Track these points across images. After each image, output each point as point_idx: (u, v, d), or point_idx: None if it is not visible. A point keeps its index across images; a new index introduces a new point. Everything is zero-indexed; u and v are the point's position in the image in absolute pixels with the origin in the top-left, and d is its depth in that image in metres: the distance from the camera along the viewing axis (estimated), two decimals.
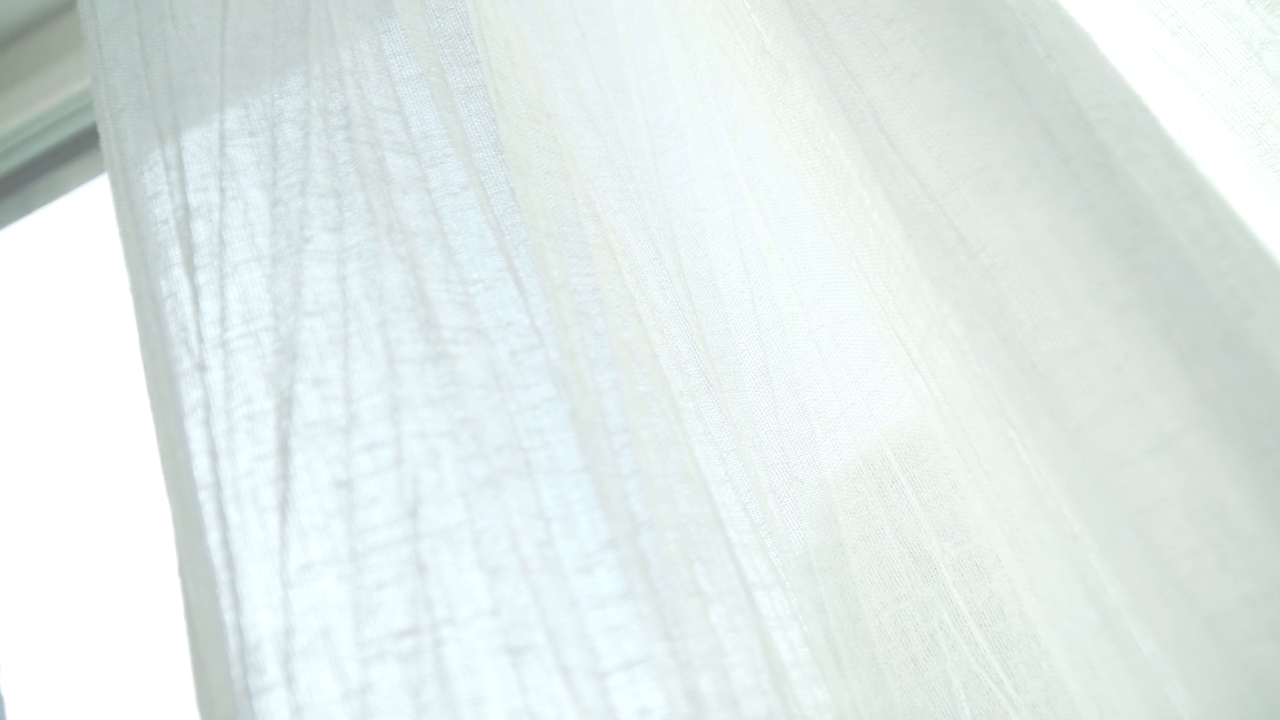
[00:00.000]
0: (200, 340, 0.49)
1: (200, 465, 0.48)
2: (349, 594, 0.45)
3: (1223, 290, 0.46)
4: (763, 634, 0.52)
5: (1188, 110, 0.65)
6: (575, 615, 0.46)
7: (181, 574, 0.49)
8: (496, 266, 0.54)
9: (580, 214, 0.60)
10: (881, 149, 0.54)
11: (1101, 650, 0.52)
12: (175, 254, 0.52)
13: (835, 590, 0.61)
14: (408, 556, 0.45)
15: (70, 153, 1.34)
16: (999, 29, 0.51)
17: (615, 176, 0.69)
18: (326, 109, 0.55)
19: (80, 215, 1.34)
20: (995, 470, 0.54)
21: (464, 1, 0.63)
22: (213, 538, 0.46)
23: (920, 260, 0.53)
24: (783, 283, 0.67)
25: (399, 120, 0.57)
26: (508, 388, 0.51)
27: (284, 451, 0.47)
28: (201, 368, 0.49)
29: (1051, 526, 0.50)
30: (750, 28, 0.61)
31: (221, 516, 0.46)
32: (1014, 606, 0.59)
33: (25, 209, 1.38)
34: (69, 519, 1.19)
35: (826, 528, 0.63)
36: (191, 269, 0.51)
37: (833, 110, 0.56)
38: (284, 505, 0.46)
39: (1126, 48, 0.66)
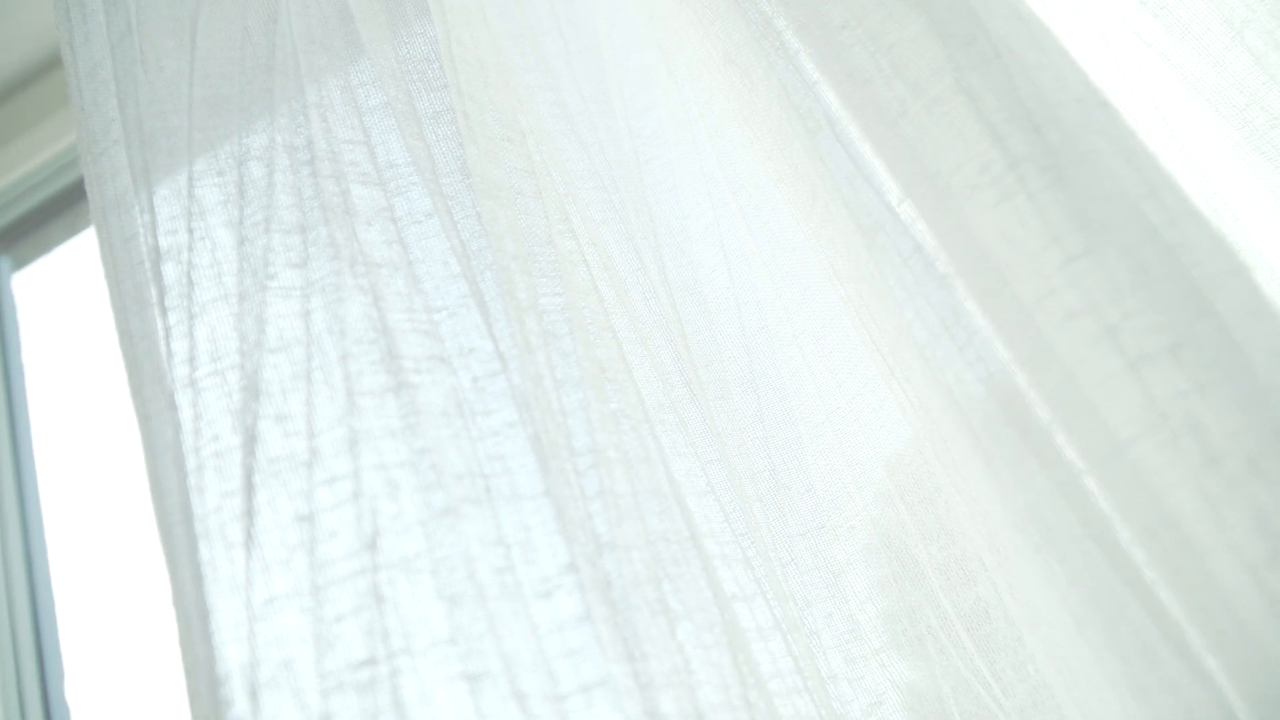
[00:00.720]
0: (171, 380, 0.51)
1: (174, 503, 0.49)
2: (310, 626, 0.46)
3: (1177, 292, 0.45)
4: (738, 648, 0.52)
5: (1172, 93, 0.63)
6: (534, 640, 0.47)
7: (173, 607, 0.51)
8: (460, 293, 0.55)
9: (554, 231, 0.61)
10: (838, 156, 0.53)
11: (1080, 657, 0.51)
12: (150, 295, 0.53)
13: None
14: (366, 588, 0.46)
15: None
16: (947, 31, 0.50)
17: (599, 188, 0.70)
18: (292, 144, 0.56)
19: None
20: (969, 476, 0.54)
21: (433, 25, 0.64)
22: (186, 573, 0.48)
23: (879, 268, 0.53)
24: (767, 288, 0.67)
25: (365, 151, 0.58)
26: (469, 414, 0.52)
27: (249, 488, 0.48)
28: (172, 406, 0.50)
29: (1020, 534, 0.49)
30: (715, 36, 0.61)
31: (193, 552, 0.48)
32: (999, 610, 0.58)
33: (73, 230, 1.42)
34: (125, 529, 1.23)
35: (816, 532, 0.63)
36: (164, 310, 0.52)
37: (792, 117, 0.56)
38: (249, 541, 0.47)
39: (1108, 31, 0.64)
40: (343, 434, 0.49)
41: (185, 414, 0.50)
